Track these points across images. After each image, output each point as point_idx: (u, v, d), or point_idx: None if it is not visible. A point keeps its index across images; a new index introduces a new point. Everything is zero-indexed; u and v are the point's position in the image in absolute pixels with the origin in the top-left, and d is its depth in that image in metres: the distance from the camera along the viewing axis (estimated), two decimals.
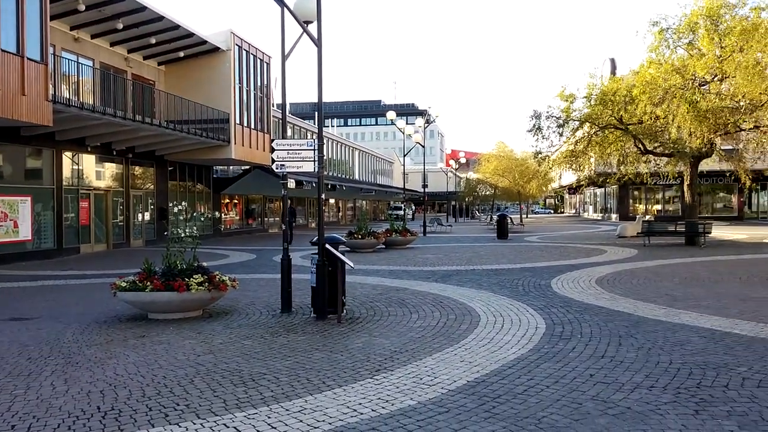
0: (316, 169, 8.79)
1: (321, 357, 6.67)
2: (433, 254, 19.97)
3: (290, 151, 8.86)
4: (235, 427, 4.60)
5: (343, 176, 54.09)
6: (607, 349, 6.75)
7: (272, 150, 8.79)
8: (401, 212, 55.93)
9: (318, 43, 8.30)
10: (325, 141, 48.60)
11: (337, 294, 8.67)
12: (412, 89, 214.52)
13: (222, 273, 9.51)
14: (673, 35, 21.44)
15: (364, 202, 66.17)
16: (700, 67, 19.65)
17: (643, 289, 11.18)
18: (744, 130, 21.88)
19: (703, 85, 20.81)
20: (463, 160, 56.79)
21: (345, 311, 9.02)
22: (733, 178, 25.67)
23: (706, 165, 26.39)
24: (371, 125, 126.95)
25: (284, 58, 9.06)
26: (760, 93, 16.75)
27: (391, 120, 30.96)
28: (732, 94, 18.57)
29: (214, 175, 32.59)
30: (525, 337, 7.40)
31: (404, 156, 34.82)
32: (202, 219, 24.26)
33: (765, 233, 28.60)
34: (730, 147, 25.25)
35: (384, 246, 22.68)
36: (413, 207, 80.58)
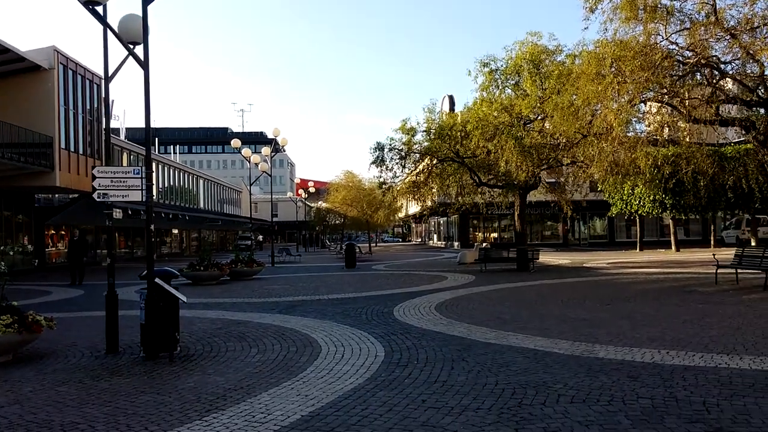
0: (144, 199, 8.26)
1: (146, 400, 6.18)
2: (280, 285, 19.63)
3: (114, 180, 8.23)
4: None
5: (187, 205, 51.80)
6: (440, 373, 6.96)
7: (93, 178, 8.13)
8: (249, 242, 54.69)
9: (145, 66, 7.88)
10: (166, 168, 46.68)
11: (169, 331, 8.16)
12: (262, 118, 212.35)
13: (37, 312, 8.61)
14: (501, 76, 23.32)
15: (210, 232, 63.82)
16: (524, 107, 21.49)
17: (478, 313, 11.76)
18: (564, 165, 24.12)
19: (528, 123, 22.74)
20: (312, 190, 56.75)
21: (179, 348, 8.52)
22: (557, 208, 28.05)
23: (534, 196, 28.74)
24: (218, 153, 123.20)
25: (107, 79, 8.49)
26: (575, 132, 18.54)
27: (236, 148, 30.22)
28: (552, 132, 20.41)
29: (37, 204, 29.71)
30: (364, 366, 7.42)
31: (251, 185, 34.15)
32: (12, 252, 21.85)
33: (584, 258, 31.60)
34: (554, 180, 27.71)
35: (229, 278, 21.95)
36: (261, 237, 79.12)
